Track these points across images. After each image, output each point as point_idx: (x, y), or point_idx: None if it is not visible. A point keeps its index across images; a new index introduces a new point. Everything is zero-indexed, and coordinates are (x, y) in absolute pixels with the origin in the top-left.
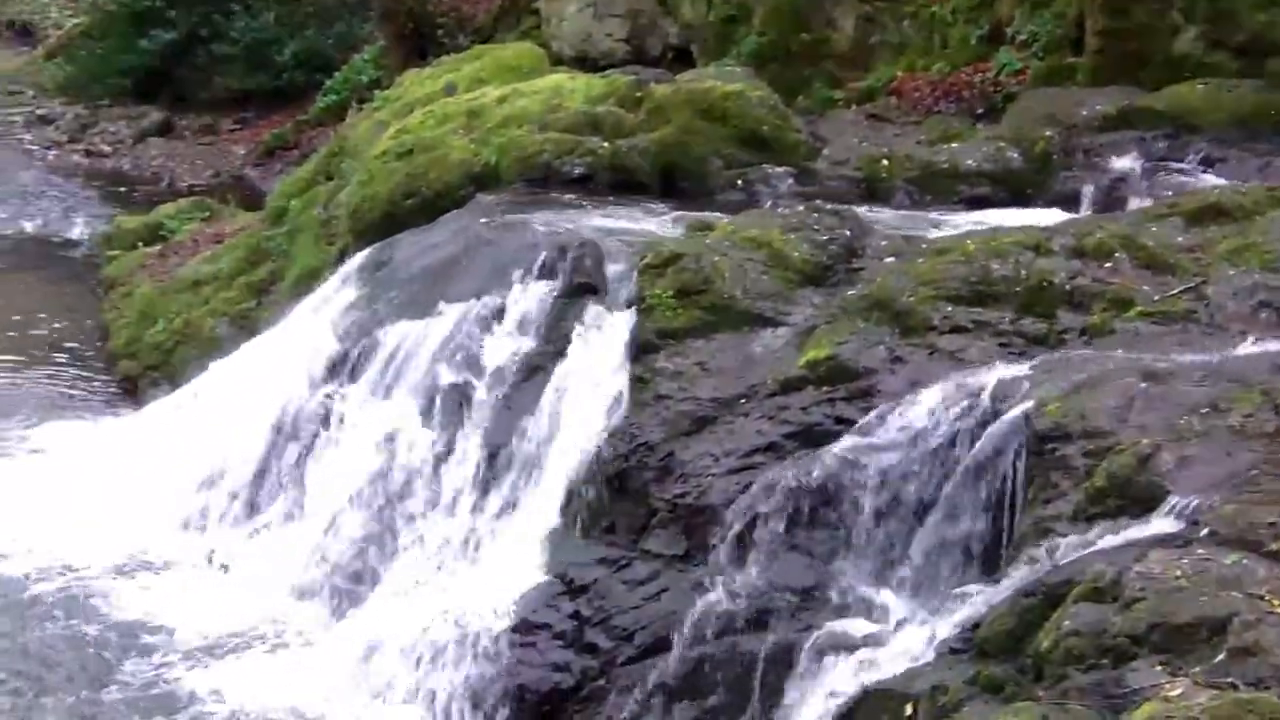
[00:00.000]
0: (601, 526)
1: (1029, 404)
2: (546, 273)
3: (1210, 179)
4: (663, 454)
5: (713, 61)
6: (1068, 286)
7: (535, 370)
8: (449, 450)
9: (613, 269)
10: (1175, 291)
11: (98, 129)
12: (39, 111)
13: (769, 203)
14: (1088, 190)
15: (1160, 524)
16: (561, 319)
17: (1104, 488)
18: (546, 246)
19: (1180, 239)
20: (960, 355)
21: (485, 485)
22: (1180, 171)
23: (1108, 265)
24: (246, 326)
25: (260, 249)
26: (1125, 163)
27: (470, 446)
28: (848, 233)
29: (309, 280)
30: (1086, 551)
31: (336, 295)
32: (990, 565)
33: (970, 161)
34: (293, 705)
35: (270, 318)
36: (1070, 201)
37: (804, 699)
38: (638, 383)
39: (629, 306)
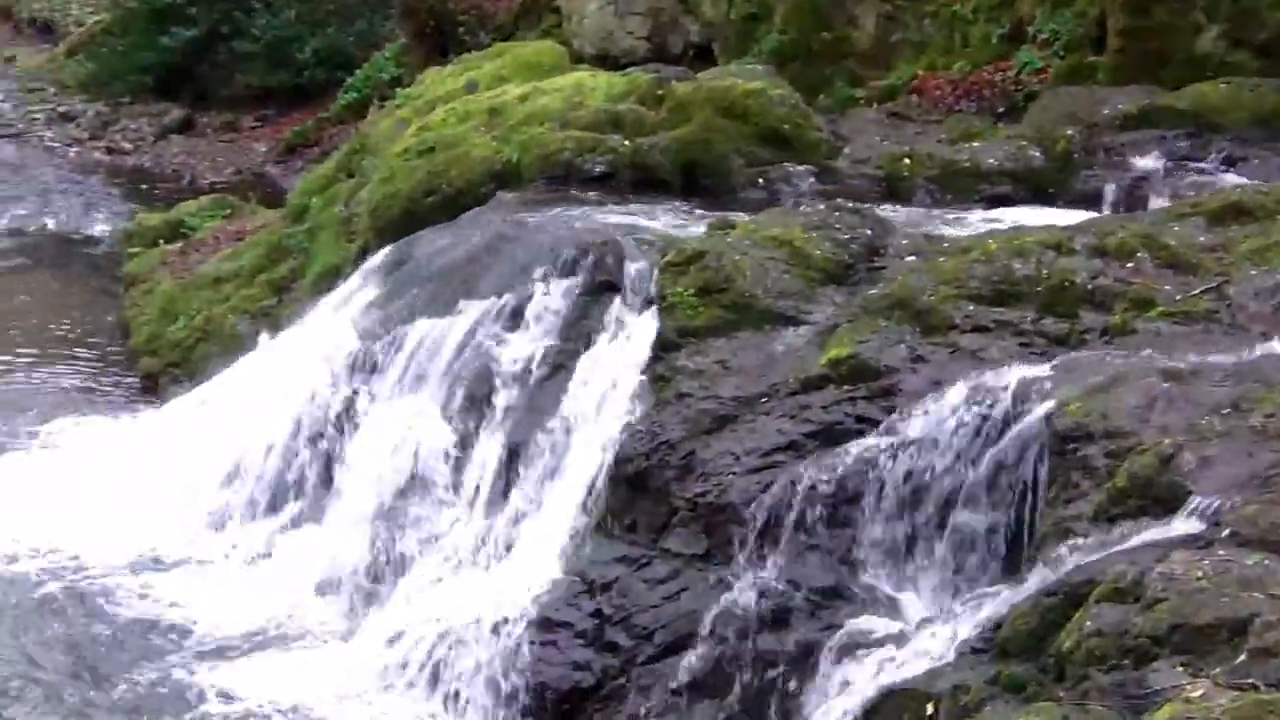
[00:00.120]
0: (622, 525)
1: (1050, 404)
2: (568, 271)
3: (1232, 178)
4: (683, 452)
5: (734, 60)
6: (1089, 286)
7: (556, 368)
8: (470, 448)
9: (634, 267)
10: (1197, 291)
11: (119, 126)
12: (60, 109)
13: (790, 201)
14: (1109, 189)
15: (1182, 524)
16: (583, 317)
17: (1125, 488)
18: (568, 244)
19: (1202, 239)
20: (981, 355)
21: (506, 483)
22: (1202, 171)
23: (1129, 265)
24: (267, 324)
25: (281, 246)
26: (1147, 162)
27: (491, 445)
28: (869, 231)
29: (330, 278)
30: (1108, 552)
31: (357, 293)
32: (1012, 565)
33: (991, 160)
34: (311, 703)
35: (291, 315)
36: (1092, 201)
37: (825, 698)
38: (659, 381)
39: (650, 305)
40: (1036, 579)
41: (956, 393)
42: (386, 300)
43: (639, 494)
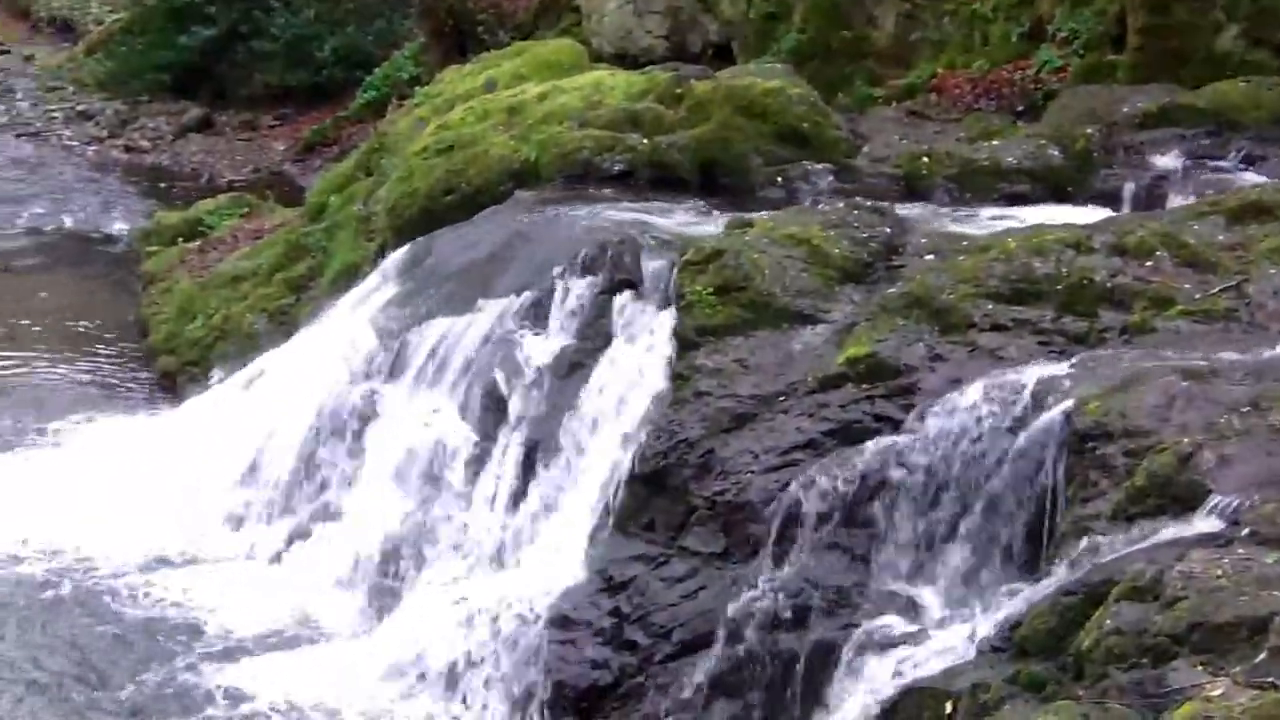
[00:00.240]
0: (640, 524)
1: (1069, 403)
2: (586, 269)
3: (1251, 177)
4: (702, 451)
5: (753, 58)
6: (1108, 285)
7: (575, 367)
8: (488, 447)
9: (652, 266)
10: (1216, 290)
11: (137, 125)
12: (79, 107)
13: (809, 200)
14: (1128, 188)
15: (1201, 523)
16: (601, 316)
17: (1144, 487)
18: (587, 243)
19: (1221, 237)
20: (1000, 353)
21: (524, 482)
22: (1221, 169)
23: (1148, 263)
24: (285, 322)
25: (299, 245)
26: (1166, 160)
27: (510, 443)
28: (888, 230)
29: (348, 276)
30: (1127, 550)
31: (376, 292)
32: (1031, 564)
33: (1010, 159)
34: (327, 701)
35: (309, 314)
36: (1111, 199)
37: (844, 697)
38: (677, 380)
39: (669, 304)
40: (1055, 578)
41: (975, 391)
42: (405, 299)
43: (657, 492)
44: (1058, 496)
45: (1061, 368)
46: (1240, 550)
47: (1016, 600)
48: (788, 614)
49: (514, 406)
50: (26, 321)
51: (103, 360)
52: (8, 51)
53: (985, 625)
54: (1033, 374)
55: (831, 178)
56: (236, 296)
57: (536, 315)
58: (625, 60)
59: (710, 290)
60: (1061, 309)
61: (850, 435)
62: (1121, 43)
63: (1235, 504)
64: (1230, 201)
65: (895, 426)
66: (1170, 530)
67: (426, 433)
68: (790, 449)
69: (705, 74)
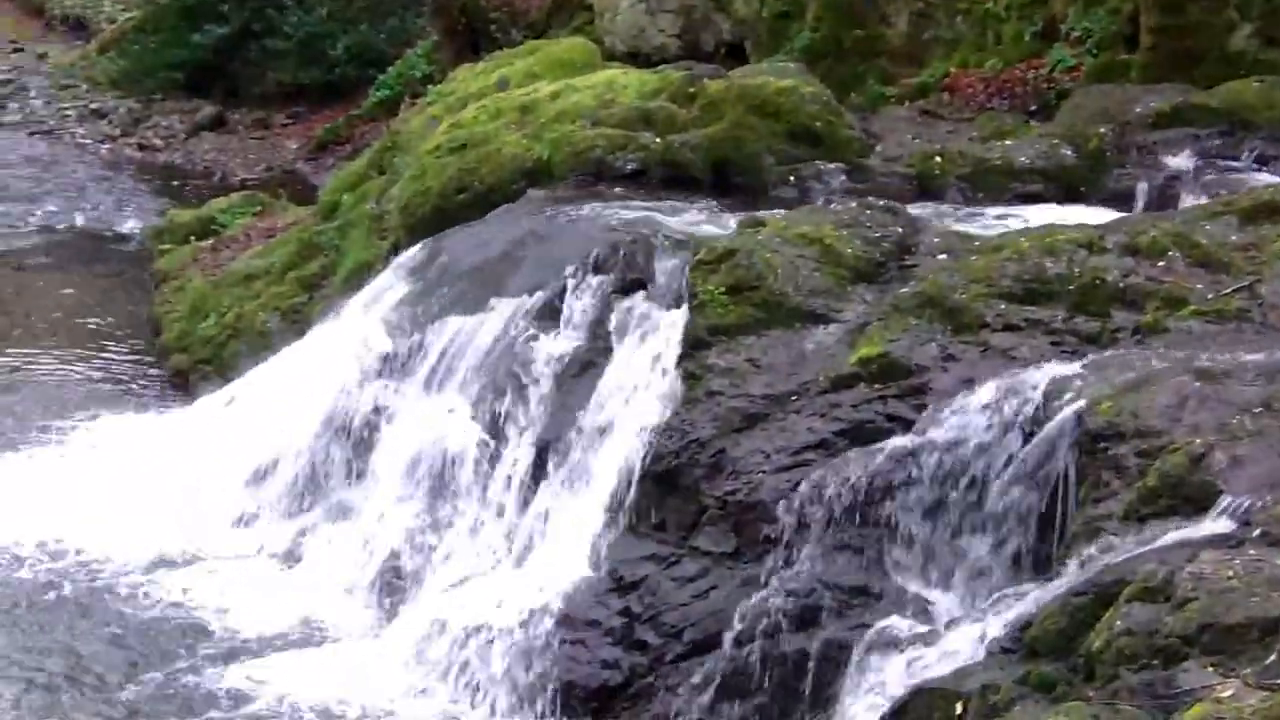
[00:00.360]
0: (651, 523)
1: (1081, 403)
2: (598, 269)
3: (1265, 177)
4: (713, 451)
5: (766, 57)
6: (1121, 285)
7: (587, 366)
8: (500, 446)
9: (665, 265)
10: (1229, 290)
11: (150, 123)
12: (92, 105)
13: (821, 199)
14: (1141, 188)
15: (1212, 524)
16: (613, 315)
17: (1156, 487)
18: (599, 242)
19: (1234, 237)
20: (1013, 353)
21: (535, 481)
22: (1234, 169)
23: (1161, 263)
24: (298, 321)
25: (312, 244)
26: (1179, 160)
27: (521, 443)
28: (900, 230)
29: (360, 275)
30: (1138, 551)
31: (388, 291)
32: (1041, 564)
33: (1023, 158)
34: (338, 701)
35: (321, 312)
36: (1124, 199)
37: (854, 697)
38: (689, 379)
39: (681, 303)
40: (1066, 578)
41: (987, 392)
42: (417, 298)
43: (669, 492)
44: (1069, 497)
45: (1074, 368)
46: (1251, 551)
47: (1027, 601)
48: (798, 614)
49: (526, 406)
50: (38, 319)
51: (115, 358)
52: (21, 49)
53: (995, 625)
54: (1045, 374)
55: (844, 177)
56: (249, 295)
57: (549, 314)
58: (638, 59)
59: (722, 290)
60: (1074, 309)
61: (862, 435)
62: (1135, 42)
63: (1247, 505)
64: (1243, 202)
65: (907, 426)
66: (1181, 531)
67: (437, 432)
68: (802, 449)
69: (718, 73)
